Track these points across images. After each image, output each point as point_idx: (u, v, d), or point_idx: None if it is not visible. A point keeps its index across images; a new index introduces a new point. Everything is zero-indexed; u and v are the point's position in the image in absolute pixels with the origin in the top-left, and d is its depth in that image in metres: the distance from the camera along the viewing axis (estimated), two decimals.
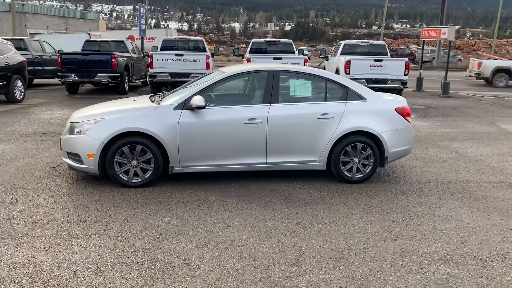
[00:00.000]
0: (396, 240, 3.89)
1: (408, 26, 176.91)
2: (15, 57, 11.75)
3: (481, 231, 4.13)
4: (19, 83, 11.81)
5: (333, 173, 5.44)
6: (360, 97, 5.46)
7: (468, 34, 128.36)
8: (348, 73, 13.24)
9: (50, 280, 3.08)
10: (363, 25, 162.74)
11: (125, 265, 3.32)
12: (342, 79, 5.62)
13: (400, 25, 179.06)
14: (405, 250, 3.69)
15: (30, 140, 7.42)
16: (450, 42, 17.11)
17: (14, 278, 3.10)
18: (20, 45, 14.76)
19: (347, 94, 5.43)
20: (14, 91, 11.55)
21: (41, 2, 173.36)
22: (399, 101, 5.71)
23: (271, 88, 5.28)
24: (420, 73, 18.43)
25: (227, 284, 3.11)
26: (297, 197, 4.94)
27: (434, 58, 39.69)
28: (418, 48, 53.55)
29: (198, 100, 4.97)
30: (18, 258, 3.37)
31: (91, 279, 3.12)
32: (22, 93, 12.01)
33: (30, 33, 37.17)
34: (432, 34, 17.39)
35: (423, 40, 18.92)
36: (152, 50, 14.39)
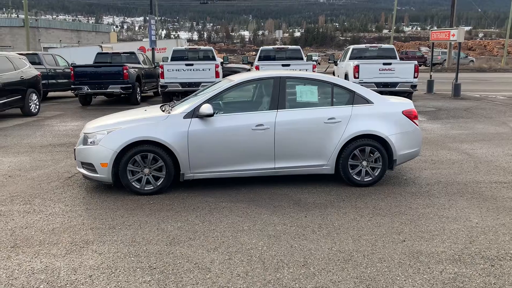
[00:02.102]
0: (404, 241, 3.93)
1: (419, 28, 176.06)
2: (30, 71, 12.07)
3: (490, 231, 4.15)
4: (34, 97, 12.11)
5: (342, 176, 5.50)
6: (367, 101, 5.52)
7: (480, 35, 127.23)
8: (357, 78, 13.28)
9: (67, 285, 3.19)
10: (373, 29, 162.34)
11: (138, 269, 3.43)
12: (348, 83, 5.70)
13: (410, 28, 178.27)
14: (413, 251, 3.73)
15: (46, 152, 7.62)
16: (459, 44, 17.03)
17: (32, 283, 3.22)
18: (34, 60, 15.15)
19: (353, 98, 5.50)
20: (29, 104, 11.84)
21: (54, 16, 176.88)
22: (406, 104, 5.75)
23: (277, 94, 5.38)
24: (431, 75, 18.38)
25: (237, 286, 3.19)
26: (306, 201, 5.01)
27: (445, 60, 39.47)
28: (429, 51, 53.30)
29: (206, 108, 5.09)
30: (36, 265, 3.50)
31: (106, 283, 3.23)
32: (37, 106, 12.30)
33: (43, 47, 37.96)
34: (441, 36, 17.35)
35: (433, 43, 18.87)
36: (163, 61, 14.62)
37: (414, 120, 5.63)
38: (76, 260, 3.57)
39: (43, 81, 13.85)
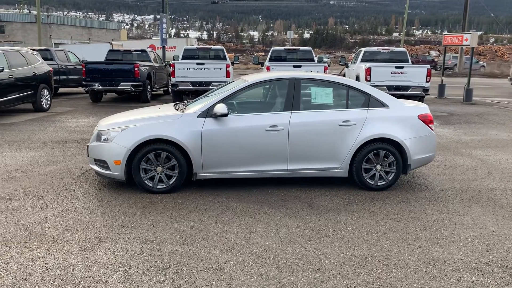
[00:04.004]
0: (419, 247, 3.88)
1: (429, 32, 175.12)
2: (42, 67, 12.12)
3: (507, 239, 4.08)
4: (46, 92, 12.16)
5: (355, 180, 5.45)
6: (382, 104, 5.47)
7: (492, 40, 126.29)
8: (369, 80, 13.19)
9: (81, 282, 3.18)
10: (383, 32, 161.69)
11: (152, 268, 3.41)
12: (364, 86, 5.64)
13: (421, 32, 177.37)
14: (429, 258, 3.68)
15: (57, 148, 7.64)
16: (472, 49, 16.89)
17: (47, 279, 3.21)
18: (46, 55, 15.22)
19: (369, 101, 5.45)
20: (41, 100, 11.90)
21: (65, 13, 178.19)
22: (422, 108, 5.69)
23: (292, 95, 5.34)
24: (442, 80, 18.24)
25: None
26: (319, 204, 4.97)
27: (456, 64, 39.15)
28: (439, 55, 52.94)
29: (221, 108, 5.06)
30: (50, 261, 3.49)
31: (120, 281, 3.21)
32: (49, 102, 12.36)
33: (54, 43, 38.24)
34: (454, 41, 17.21)
35: (445, 47, 18.73)
36: (174, 60, 14.63)
37: (430, 125, 5.56)
38: (89, 257, 3.56)
39: (55, 77, 13.91)
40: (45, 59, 13.99)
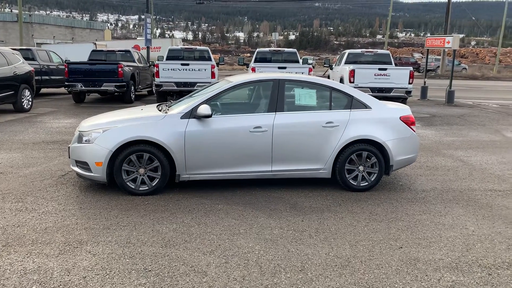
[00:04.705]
0: (401, 247, 3.92)
1: (412, 35, 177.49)
2: (23, 67, 11.91)
3: (486, 239, 4.15)
4: (27, 93, 11.95)
5: (338, 181, 5.48)
6: (365, 106, 5.51)
7: (473, 43, 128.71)
8: (353, 82, 13.29)
9: (60, 286, 3.13)
10: (367, 34, 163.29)
11: (133, 271, 3.37)
12: (347, 88, 5.68)
13: (404, 34, 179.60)
14: (410, 258, 3.71)
15: (38, 149, 7.51)
16: (454, 51, 17.16)
17: (25, 284, 3.15)
18: (28, 55, 14.96)
19: (351, 103, 5.49)
20: (22, 100, 11.69)
21: (47, 12, 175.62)
22: (404, 109, 5.75)
23: (276, 97, 5.35)
24: (425, 82, 18.48)
25: None
26: (302, 205, 4.98)
27: (438, 66, 39.74)
28: (422, 57, 53.64)
29: (204, 109, 5.04)
30: (28, 265, 3.43)
31: (100, 285, 3.16)
32: (30, 102, 12.15)
33: (37, 43, 37.61)
34: (437, 43, 17.46)
35: (427, 49, 18.98)
36: (158, 60, 14.53)
37: (412, 126, 5.63)
38: (69, 260, 3.50)
39: (37, 77, 13.68)
40: (27, 59, 13.75)
